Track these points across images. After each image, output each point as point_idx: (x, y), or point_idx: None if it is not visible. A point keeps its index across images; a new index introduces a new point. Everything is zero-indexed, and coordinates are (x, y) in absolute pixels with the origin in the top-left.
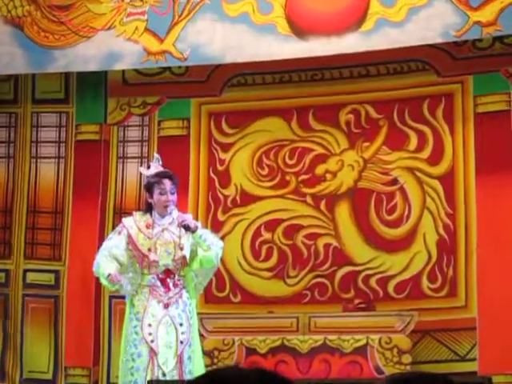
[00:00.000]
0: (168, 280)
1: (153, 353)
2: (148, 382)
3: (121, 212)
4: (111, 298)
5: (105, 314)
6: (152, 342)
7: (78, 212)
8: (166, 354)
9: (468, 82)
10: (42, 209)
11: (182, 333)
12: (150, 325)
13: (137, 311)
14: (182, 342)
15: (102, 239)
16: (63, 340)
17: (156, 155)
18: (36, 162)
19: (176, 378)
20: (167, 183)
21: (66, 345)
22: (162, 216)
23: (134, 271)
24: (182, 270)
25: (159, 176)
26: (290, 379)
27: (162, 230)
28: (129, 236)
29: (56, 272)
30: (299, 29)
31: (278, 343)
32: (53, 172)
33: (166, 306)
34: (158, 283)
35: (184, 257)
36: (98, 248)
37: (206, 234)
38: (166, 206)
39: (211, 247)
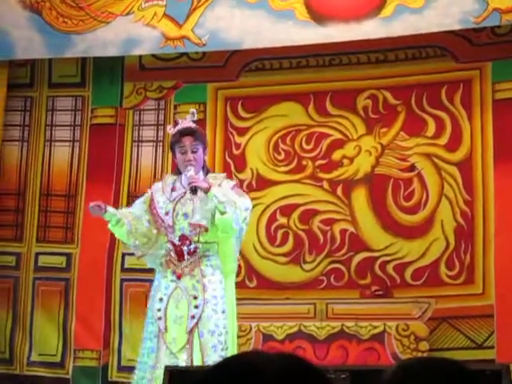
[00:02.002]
0: (183, 248)
1: (160, 331)
2: (165, 367)
3: (135, 196)
4: (122, 280)
5: (116, 296)
6: (159, 319)
7: (92, 195)
8: (174, 330)
9: (486, 68)
10: (56, 192)
11: (196, 306)
12: (161, 299)
13: (156, 285)
14: (193, 317)
15: None
16: (73, 323)
17: (192, 110)
18: (50, 145)
19: (188, 357)
20: (187, 140)
21: (76, 328)
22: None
23: (154, 242)
24: (201, 236)
25: (179, 133)
26: (314, 364)
27: (185, 192)
28: (151, 199)
29: (68, 255)
30: (318, 14)
31: (295, 329)
32: (67, 155)
33: (179, 276)
34: (173, 251)
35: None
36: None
37: (222, 195)
38: (187, 166)
39: (227, 209)
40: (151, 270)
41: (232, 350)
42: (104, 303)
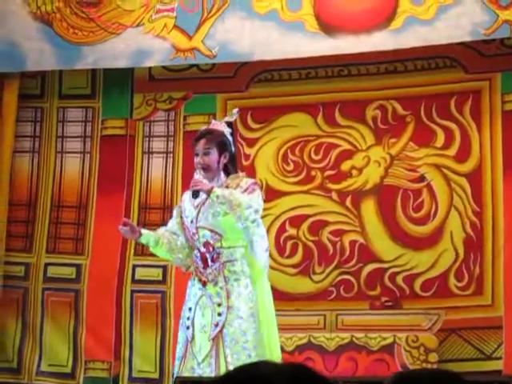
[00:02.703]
0: (207, 254)
1: (188, 340)
2: (175, 378)
3: (146, 207)
4: (133, 292)
5: (126, 308)
6: (188, 328)
7: (103, 207)
8: (200, 339)
9: (496, 79)
10: (66, 203)
11: (219, 314)
12: (190, 308)
13: (187, 293)
14: (216, 325)
15: None
16: (83, 334)
17: (235, 110)
18: (61, 156)
19: (212, 366)
20: (200, 143)
21: (86, 338)
22: (209, 180)
23: (182, 248)
24: (223, 241)
25: (196, 137)
26: (324, 375)
27: (207, 198)
28: (181, 211)
29: (77, 266)
30: (328, 26)
31: (304, 341)
32: (78, 167)
33: (204, 284)
34: (199, 258)
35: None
36: (122, 243)
37: (223, 196)
38: (196, 169)
39: (228, 211)
40: (162, 282)
41: (267, 356)
42: (114, 314)
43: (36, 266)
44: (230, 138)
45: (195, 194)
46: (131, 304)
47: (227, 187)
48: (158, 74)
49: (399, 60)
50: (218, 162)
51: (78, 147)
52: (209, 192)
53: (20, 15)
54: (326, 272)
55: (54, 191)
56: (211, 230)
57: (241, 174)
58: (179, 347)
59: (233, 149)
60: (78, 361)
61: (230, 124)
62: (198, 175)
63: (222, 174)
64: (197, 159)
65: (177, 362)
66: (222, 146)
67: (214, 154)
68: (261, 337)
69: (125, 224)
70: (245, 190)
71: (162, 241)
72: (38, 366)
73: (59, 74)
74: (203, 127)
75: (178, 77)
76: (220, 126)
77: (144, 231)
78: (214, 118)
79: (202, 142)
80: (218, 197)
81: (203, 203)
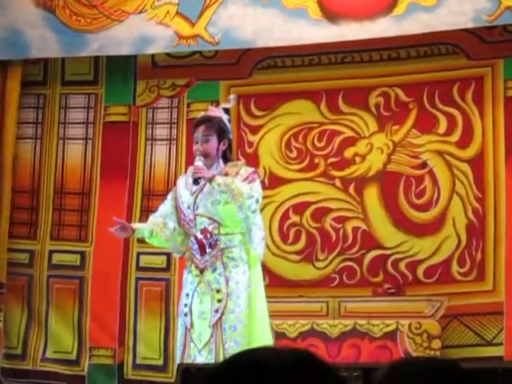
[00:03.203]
0: (204, 241)
1: (186, 327)
2: (178, 364)
3: (149, 194)
4: (137, 279)
5: (131, 295)
6: (185, 315)
7: (106, 194)
8: (199, 326)
9: (498, 65)
10: (69, 190)
11: (219, 300)
12: (187, 295)
13: (183, 280)
14: (216, 311)
15: (129, 220)
16: (87, 321)
17: (231, 96)
18: (64, 143)
19: (213, 353)
20: (199, 130)
21: (91, 325)
22: (208, 167)
23: (180, 234)
24: (221, 228)
25: (195, 124)
26: (326, 361)
27: (205, 184)
28: (176, 195)
29: (82, 253)
30: (330, 13)
31: (307, 327)
32: (80, 153)
33: (202, 270)
34: (195, 245)
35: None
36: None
37: (224, 184)
38: (195, 156)
39: (229, 200)
40: (166, 269)
41: (262, 343)
42: (119, 302)
43: (40, 253)
44: (228, 125)
45: (196, 181)
46: (135, 291)
47: (226, 175)
48: (161, 60)
49: (402, 47)
50: (218, 149)
51: (80, 134)
52: (210, 180)
53: (23, 2)
54: (328, 259)
55: (56, 178)
56: (210, 218)
57: (239, 161)
58: (179, 335)
59: (231, 136)
60: (83, 347)
61: (227, 110)
62: (199, 162)
63: (221, 161)
64: (196, 146)
65: (178, 350)
66: (221, 132)
67: (214, 140)
68: (257, 323)
69: (116, 223)
70: (245, 179)
71: (156, 230)
72: (44, 352)
73: (62, 61)
74: (201, 113)
75: (181, 63)
76: (218, 112)
77: (136, 226)
78: (217, 105)
79: (201, 128)
80: (219, 185)
81: (201, 190)
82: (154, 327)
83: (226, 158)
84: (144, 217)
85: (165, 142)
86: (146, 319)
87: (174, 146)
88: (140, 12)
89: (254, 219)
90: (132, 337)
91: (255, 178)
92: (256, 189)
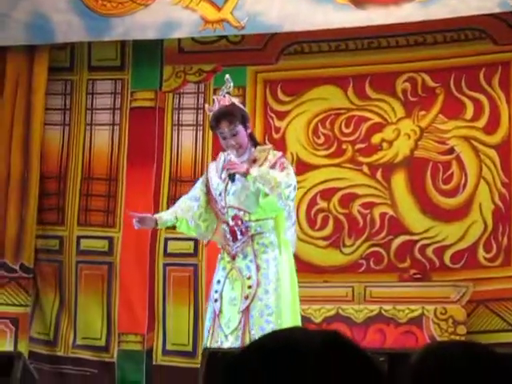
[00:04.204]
0: (235, 228)
1: (215, 313)
2: (204, 348)
3: (176, 180)
4: (165, 265)
5: (159, 280)
6: (216, 301)
7: (133, 179)
8: (229, 312)
9: None
10: (97, 175)
11: (249, 286)
12: (218, 281)
13: (217, 266)
14: (246, 298)
15: (156, 206)
16: (116, 307)
17: (227, 76)
18: (91, 128)
19: (239, 339)
20: (224, 125)
21: (119, 311)
22: (241, 155)
23: (207, 219)
24: (251, 215)
25: (215, 119)
26: (356, 343)
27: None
28: (207, 180)
29: (110, 239)
30: None
31: (332, 312)
32: (107, 139)
33: (233, 257)
34: (227, 232)
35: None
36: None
37: (261, 177)
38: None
39: (268, 192)
40: (194, 255)
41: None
42: (147, 288)
43: (69, 239)
44: (243, 107)
45: (232, 177)
46: (164, 277)
47: (255, 160)
48: (188, 46)
49: (428, 32)
50: (247, 136)
51: (107, 119)
52: (245, 174)
53: None
54: (356, 244)
55: (84, 164)
56: (241, 210)
57: (267, 146)
58: (207, 320)
59: (248, 115)
60: (112, 334)
61: (229, 93)
62: (230, 155)
63: (250, 145)
64: (227, 142)
65: (205, 335)
66: (243, 119)
67: (242, 130)
68: (285, 309)
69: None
70: (274, 164)
71: (181, 215)
72: (74, 339)
73: (88, 46)
74: (214, 108)
75: (207, 49)
76: (227, 99)
77: (160, 216)
78: (244, 91)
79: (225, 123)
80: (255, 179)
81: (230, 182)
82: (182, 313)
83: (253, 140)
84: (171, 203)
85: (191, 128)
86: (175, 305)
87: (201, 132)
88: None
89: (291, 207)
90: (161, 323)
91: (287, 165)
92: (292, 176)
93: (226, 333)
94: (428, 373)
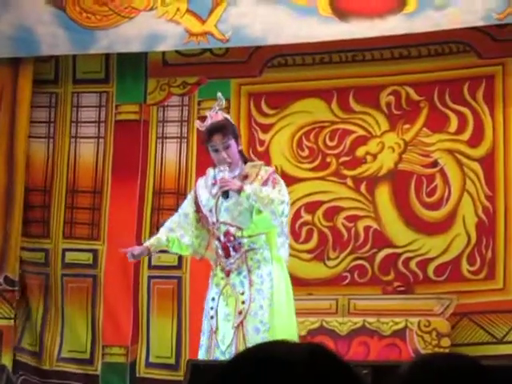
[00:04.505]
0: (228, 244)
1: (212, 330)
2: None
3: (160, 192)
4: (150, 278)
5: (143, 293)
6: (212, 318)
7: (117, 192)
8: (224, 328)
9: (509, 63)
10: (81, 188)
11: (243, 302)
12: (213, 298)
13: (210, 283)
14: (240, 313)
15: (140, 219)
16: (100, 319)
17: (219, 94)
18: (76, 141)
19: (233, 354)
20: (217, 139)
21: (104, 324)
22: (231, 171)
23: (198, 236)
24: (244, 231)
25: (208, 132)
26: (340, 356)
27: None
28: (196, 197)
29: (94, 251)
30: (341, 10)
31: (316, 325)
32: (92, 152)
33: (228, 273)
34: (220, 248)
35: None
36: (137, 227)
37: (255, 194)
38: (221, 164)
39: (262, 209)
40: (178, 267)
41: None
42: (132, 300)
43: (54, 252)
44: (234, 123)
45: (225, 195)
46: (148, 290)
47: (246, 176)
48: (172, 58)
49: (413, 45)
50: (237, 152)
51: (92, 132)
52: (239, 191)
53: (33, 0)
54: (340, 257)
55: (68, 176)
56: (234, 226)
57: (258, 162)
58: (204, 337)
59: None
60: (96, 346)
61: (222, 110)
62: (223, 172)
63: (241, 162)
64: (218, 155)
65: (201, 351)
66: (235, 134)
67: (233, 145)
68: (280, 325)
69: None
70: (266, 180)
71: (172, 238)
72: (59, 352)
73: (73, 59)
74: (206, 124)
75: (191, 62)
76: (220, 115)
77: (151, 244)
78: (228, 103)
79: (218, 136)
80: (248, 196)
81: (224, 199)
82: (166, 325)
83: (243, 157)
84: (155, 215)
85: (175, 140)
86: (159, 317)
87: (185, 145)
88: (150, 9)
89: (285, 223)
90: (145, 335)
91: (279, 180)
92: (284, 192)
93: (222, 349)
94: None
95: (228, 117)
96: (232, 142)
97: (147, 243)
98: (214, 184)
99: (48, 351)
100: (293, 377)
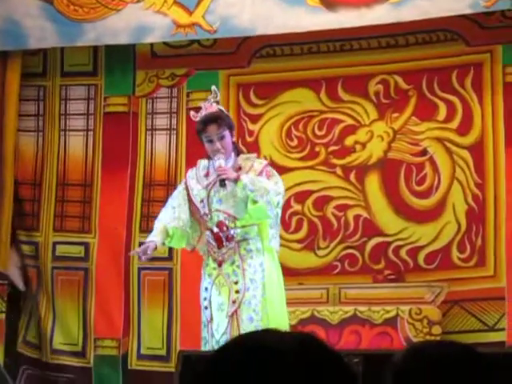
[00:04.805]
0: (221, 234)
1: (207, 320)
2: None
3: (150, 184)
4: (140, 269)
5: (134, 285)
6: (206, 308)
7: (107, 184)
8: (218, 317)
9: (497, 51)
10: (72, 181)
11: (236, 291)
12: (206, 288)
13: (202, 274)
14: (234, 302)
15: (131, 211)
16: (92, 312)
17: (213, 87)
18: (65, 134)
19: None
20: (212, 129)
21: (95, 317)
22: (224, 160)
23: (191, 227)
24: (237, 221)
25: (203, 122)
26: (331, 345)
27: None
28: (187, 188)
29: (85, 244)
30: (328, 0)
31: (307, 314)
32: (81, 144)
33: (220, 263)
34: (212, 238)
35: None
36: (128, 220)
37: (252, 184)
38: (215, 154)
39: (258, 198)
40: (168, 259)
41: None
42: (123, 292)
43: (44, 245)
44: (229, 114)
45: (223, 183)
46: (138, 281)
47: (239, 168)
48: (160, 50)
49: (400, 34)
50: (231, 143)
51: (81, 125)
52: (236, 180)
53: None
54: (330, 247)
55: (58, 169)
56: (229, 214)
57: (251, 154)
58: (203, 329)
59: None
60: (88, 339)
61: (218, 102)
62: (220, 161)
63: (233, 154)
64: (213, 146)
65: (202, 343)
66: (231, 126)
67: (228, 136)
68: (272, 314)
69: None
70: (260, 172)
71: (173, 230)
72: (51, 344)
73: (61, 52)
74: (207, 109)
75: (180, 53)
76: (215, 106)
77: (156, 240)
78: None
79: (213, 127)
80: (245, 185)
81: (214, 183)
82: (157, 317)
83: (237, 149)
84: (145, 207)
85: (165, 132)
86: (149, 309)
87: (174, 136)
88: (137, 1)
89: (279, 214)
90: (136, 327)
91: (273, 172)
92: (280, 184)
93: (217, 338)
94: (410, 372)
95: (222, 108)
96: (226, 133)
97: (154, 239)
98: (206, 175)
99: (44, 344)
100: (283, 365)
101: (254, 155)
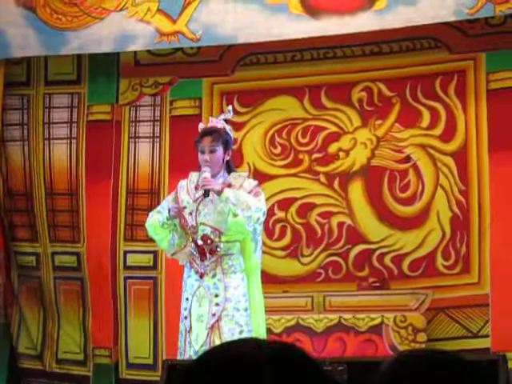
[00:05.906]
0: (204, 247)
1: (186, 330)
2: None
3: (133, 192)
4: (126, 278)
5: (120, 294)
6: (185, 318)
7: (92, 193)
8: (197, 328)
9: (480, 58)
10: (59, 191)
11: (216, 304)
12: (187, 299)
13: (183, 284)
14: (214, 315)
15: (115, 219)
16: (89, 321)
17: (229, 107)
18: (49, 143)
19: None
20: (206, 141)
21: (92, 326)
22: (212, 176)
23: (186, 240)
24: (222, 236)
25: (200, 133)
26: (311, 356)
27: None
28: (177, 198)
29: (77, 254)
30: (311, 8)
31: (292, 322)
32: (65, 153)
33: (201, 275)
34: (195, 250)
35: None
36: (112, 228)
37: (234, 197)
38: (203, 166)
39: (238, 211)
40: (153, 268)
41: None
42: (111, 301)
43: (44, 256)
44: (231, 135)
45: (206, 193)
46: (125, 290)
47: (229, 186)
48: (144, 58)
49: (384, 41)
50: (223, 160)
51: (65, 133)
52: (219, 193)
53: (3, 1)
54: (314, 254)
55: (45, 179)
56: (213, 228)
57: (243, 173)
58: (180, 338)
59: (233, 146)
60: (88, 348)
61: (227, 121)
62: (206, 173)
63: (224, 171)
64: (203, 156)
65: (179, 351)
66: (227, 143)
67: (220, 151)
68: (254, 328)
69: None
70: (249, 192)
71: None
72: (56, 354)
73: (45, 61)
74: (211, 123)
75: (163, 61)
76: (221, 123)
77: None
78: (200, 103)
79: (208, 139)
80: (227, 198)
81: (203, 198)
82: (143, 326)
83: (229, 168)
84: (129, 215)
85: (148, 140)
86: (136, 318)
87: (158, 144)
88: (121, 9)
89: (259, 231)
90: (123, 336)
91: (260, 192)
92: (263, 202)
93: (195, 348)
94: (398, 381)
95: (228, 128)
96: (219, 148)
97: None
98: (196, 188)
99: (47, 354)
100: (260, 375)
101: (245, 174)
